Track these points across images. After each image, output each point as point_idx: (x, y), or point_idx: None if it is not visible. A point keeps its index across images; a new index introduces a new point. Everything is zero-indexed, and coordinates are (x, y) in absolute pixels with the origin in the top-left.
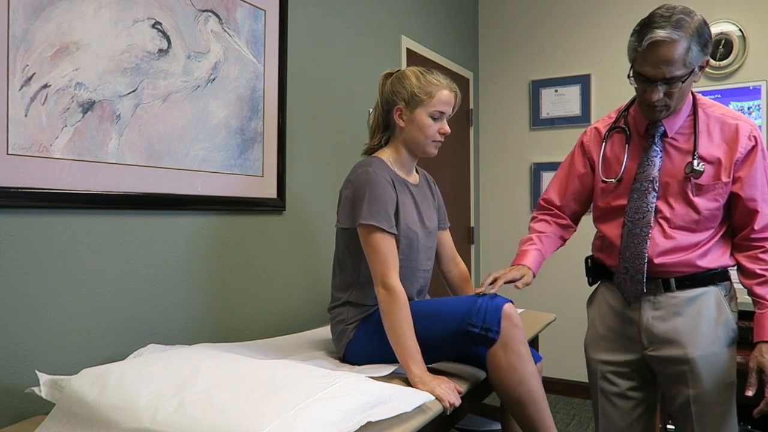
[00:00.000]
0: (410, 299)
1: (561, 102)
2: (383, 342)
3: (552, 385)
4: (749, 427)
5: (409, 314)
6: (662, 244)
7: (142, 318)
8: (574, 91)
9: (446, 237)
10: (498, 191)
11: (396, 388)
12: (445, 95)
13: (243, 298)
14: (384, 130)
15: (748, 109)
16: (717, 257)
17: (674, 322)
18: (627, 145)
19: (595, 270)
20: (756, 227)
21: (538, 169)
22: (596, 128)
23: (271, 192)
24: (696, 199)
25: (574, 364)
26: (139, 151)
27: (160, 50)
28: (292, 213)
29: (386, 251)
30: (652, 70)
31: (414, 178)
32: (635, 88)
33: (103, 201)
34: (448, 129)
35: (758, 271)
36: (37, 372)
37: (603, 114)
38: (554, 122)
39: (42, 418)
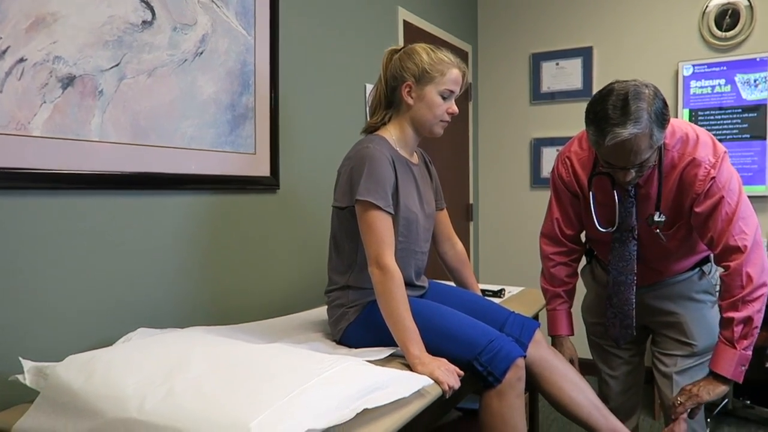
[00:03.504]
0: (407, 282)
1: (562, 75)
2: (383, 333)
3: None
4: (748, 402)
5: (405, 294)
6: (645, 275)
7: (131, 301)
8: (576, 64)
9: (443, 217)
10: (497, 167)
11: (393, 373)
12: (455, 74)
13: (236, 280)
14: (387, 107)
15: (755, 81)
16: (697, 255)
17: (661, 295)
18: (615, 192)
19: (591, 251)
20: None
21: (538, 145)
22: (572, 165)
23: (264, 170)
24: (666, 241)
25: (576, 345)
26: (124, 129)
27: (144, 22)
28: (286, 191)
29: (382, 230)
30: (620, 161)
31: (415, 158)
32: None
33: (86, 181)
34: (456, 109)
35: (727, 317)
36: (20, 359)
37: None
38: (555, 96)
39: (26, 407)
